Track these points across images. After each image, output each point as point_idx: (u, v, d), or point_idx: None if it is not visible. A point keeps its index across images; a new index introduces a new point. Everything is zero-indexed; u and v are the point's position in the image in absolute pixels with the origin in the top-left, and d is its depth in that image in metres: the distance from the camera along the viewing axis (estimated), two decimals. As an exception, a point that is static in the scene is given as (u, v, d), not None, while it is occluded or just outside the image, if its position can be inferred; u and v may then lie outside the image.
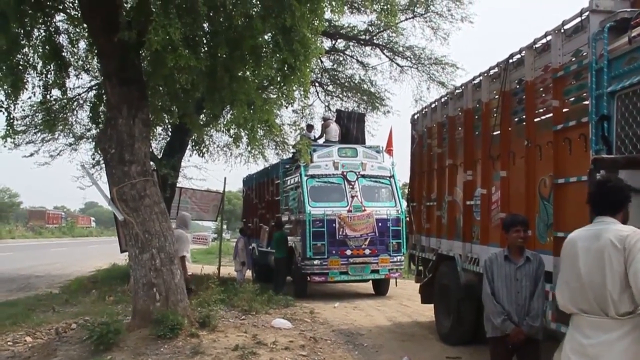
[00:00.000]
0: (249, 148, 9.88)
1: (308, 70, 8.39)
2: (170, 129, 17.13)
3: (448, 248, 9.18)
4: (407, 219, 12.53)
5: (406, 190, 13.55)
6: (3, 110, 8.57)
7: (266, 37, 8.44)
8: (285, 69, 8.13)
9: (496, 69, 7.75)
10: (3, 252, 35.31)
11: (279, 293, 13.58)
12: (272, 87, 12.42)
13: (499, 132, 7.52)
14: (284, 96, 9.22)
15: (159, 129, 16.92)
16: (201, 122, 13.09)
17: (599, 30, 5.38)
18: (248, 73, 8.83)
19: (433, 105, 10.49)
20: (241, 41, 8.08)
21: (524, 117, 6.92)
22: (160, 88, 10.64)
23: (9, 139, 9.30)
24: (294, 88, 8.68)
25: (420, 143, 11.08)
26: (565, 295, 3.58)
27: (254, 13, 8.06)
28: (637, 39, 4.89)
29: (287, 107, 15.51)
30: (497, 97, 7.67)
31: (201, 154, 17.56)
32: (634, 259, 3.24)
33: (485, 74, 8.04)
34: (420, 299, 10.84)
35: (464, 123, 8.83)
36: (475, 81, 8.42)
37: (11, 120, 8.97)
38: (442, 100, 10.04)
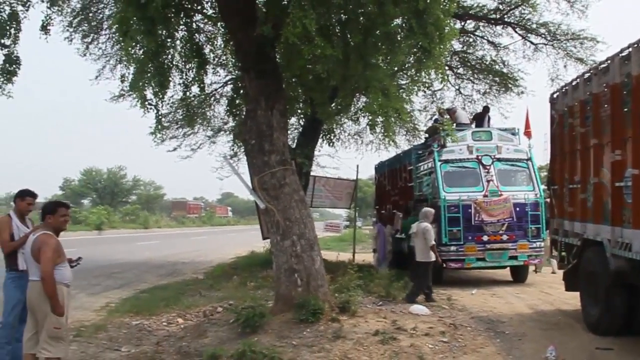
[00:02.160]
0: (385, 135, 9.85)
1: (443, 53, 8.26)
2: (303, 119, 17.50)
3: (595, 233, 8.71)
4: (548, 202, 12.01)
5: (543, 174, 13.01)
6: (152, 107, 9.14)
7: (399, 21, 8.39)
8: (420, 53, 8.05)
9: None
10: (151, 241, 37.85)
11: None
12: (402, 73, 12.34)
13: (652, 107, 7.02)
14: (418, 81, 9.15)
15: (292, 119, 17.33)
16: (334, 111, 13.26)
17: None
18: (381, 59, 8.83)
19: (574, 83, 9.96)
20: (374, 27, 8.12)
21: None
22: (295, 79, 10.92)
23: (158, 134, 9.93)
24: (430, 72, 8.58)
25: (561, 123, 10.57)
26: None
27: (386, -2, 8.04)
28: None
29: (421, 92, 15.28)
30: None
31: (331, 144, 17.82)
32: None
33: (636, 45, 7.50)
34: (565, 286, 10.42)
35: (610, 99, 8.30)
36: (624, 54, 7.88)
37: (159, 117, 9.55)
38: (585, 76, 9.51)
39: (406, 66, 9.34)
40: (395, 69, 10.05)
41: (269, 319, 8.42)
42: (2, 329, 6.81)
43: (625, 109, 7.84)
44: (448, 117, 16.65)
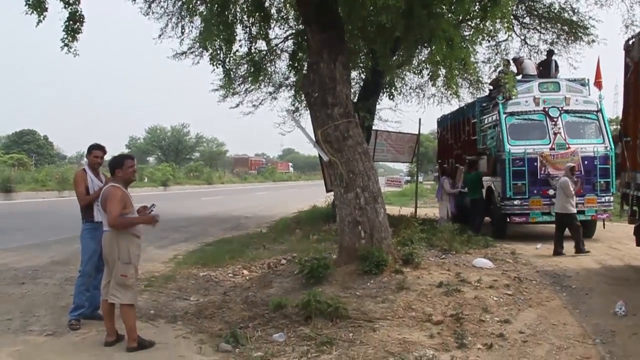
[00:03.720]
0: (447, 87, 9.67)
1: (510, 1, 7.97)
2: (364, 72, 17.33)
3: (670, 185, 8.40)
4: (619, 154, 11.63)
5: (613, 127, 12.55)
6: (220, 62, 9.20)
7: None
8: (486, 1, 7.80)
9: None
10: (216, 196, 38.70)
11: (478, 233, 13.40)
12: (467, 24, 12.00)
13: None
14: (483, 31, 8.89)
15: (354, 73, 17.19)
16: (394, 64, 13.08)
17: None
18: (445, 9, 8.61)
19: (651, 29, 9.49)
20: (439, -25, 7.89)
21: None
22: (357, 31, 10.78)
23: (227, 89, 10.03)
24: (496, 21, 8.31)
25: (636, 71, 10.11)
26: None
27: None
28: None
29: (485, 43, 14.86)
30: None
31: (392, 97, 17.60)
32: None
33: None
34: (636, 241, 10.14)
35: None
36: None
37: (228, 72, 9.61)
38: (664, 21, 9.05)
39: (471, 15, 9.04)
40: (460, 18, 9.78)
41: (333, 271, 8.51)
42: (81, 277, 7.15)
43: None
44: (513, 68, 16.18)
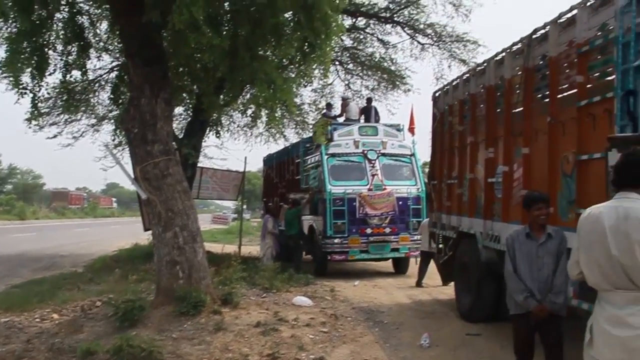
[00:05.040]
0: (269, 127, 9.88)
1: (329, 48, 8.37)
2: (191, 109, 17.19)
3: (469, 226, 9.16)
4: (428, 196, 12.54)
5: (427, 169, 13.52)
6: (28, 92, 8.66)
7: (287, 15, 8.41)
8: (306, 47, 8.12)
9: (519, 45, 7.65)
10: (28, 233, 35.93)
11: (299, 271, 13.64)
12: (291, 67, 12.39)
13: (521, 109, 7.46)
14: (304, 75, 9.22)
15: (180, 109, 17.00)
16: (221, 103, 13.13)
17: (627, 2, 5.27)
18: (269, 52, 8.83)
19: (454, 83, 10.41)
20: (263, 20, 8.08)
21: (547, 93, 6.84)
22: (181, 68, 10.69)
23: (33, 121, 9.43)
24: (314, 67, 8.66)
25: (441, 121, 11.01)
26: (596, 274, 3.53)
27: (276, -9, 8.03)
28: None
29: (306, 87, 15.47)
30: (520, 73, 7.58)
31: (218, 135, 17.59)
32: None
33: (508, 50, 7.95)
34: (440, 277, 10.88)
35: (486, 100, 8.75)
36: (498, 57, 8.32)
37: (36, 102, 9.07)
38: (464, 77, 9.96)
39: (295, 59, 9.35)
40: (285, 62, 10.07)
41: (149, 312, 8.20)
42: None
43: (499, 110, 8.29)
44: (333, 113, 17.03)
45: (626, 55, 5.19)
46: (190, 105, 16.36)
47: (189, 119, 17.55)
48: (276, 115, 9.21)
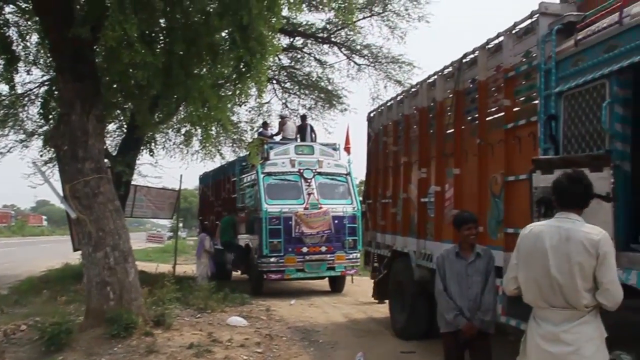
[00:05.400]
0: (204, 146, 9.79)
1: (264, 68, 8.39)
2: (125, 126, 16.87)
3: (403, 245, 9.28)
4: (363, 215, 12.62)
5: (362, 188, 13.65)
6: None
7: (223, 34, 8.41)
8: (242, 66, 8.12)
9: (450, 69, 7.88)
10: (-53, 253, 34.25)
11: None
12: (227, 85, 12.38)
13: (452, 130, 7.65)
14: (239, 94, 9.19)
15: (114, 126, 16.66)
16: (156, 120, 12.95)
17: (547, 32, 5.55)
18: (204, 70, 8.78)
19: (389, 104, 10.59)
20: (198, 38, 8.06)
21: (477, 115, 7.05)
22: (115, 84, 10.50)
23: None
24: (250, 86, 8.66)
25: (376, 141, 11.17)
26: (534, 291, 3.63)
27: (211, 10, 8.03)
28: (583, 42, 5.06)
29: (241, 106, 15.43)
30: (451, 96, 7.79)
31: (152, 153, 17.32)
32: (607, 269, 3.42)
33: (440, 73, 8.16)
34: (375, 295, 10.97)
35: (419, 121, 8.94)
36: (430, 80, 8.54)
37: None
38: (398, 98, 10.14)
39: (231, 78, 9.33)
40: (221, 81, 10.03)
41: (77, 336, 7.97)
42: None
43: (431, 131, 8.48)
44: (269, 132, 17.06)
45: (548, 81, 5.41)
46: (124, 123, 16.07)
47: (123, 136, 17.22)
48: (211, 133, 9.12)
